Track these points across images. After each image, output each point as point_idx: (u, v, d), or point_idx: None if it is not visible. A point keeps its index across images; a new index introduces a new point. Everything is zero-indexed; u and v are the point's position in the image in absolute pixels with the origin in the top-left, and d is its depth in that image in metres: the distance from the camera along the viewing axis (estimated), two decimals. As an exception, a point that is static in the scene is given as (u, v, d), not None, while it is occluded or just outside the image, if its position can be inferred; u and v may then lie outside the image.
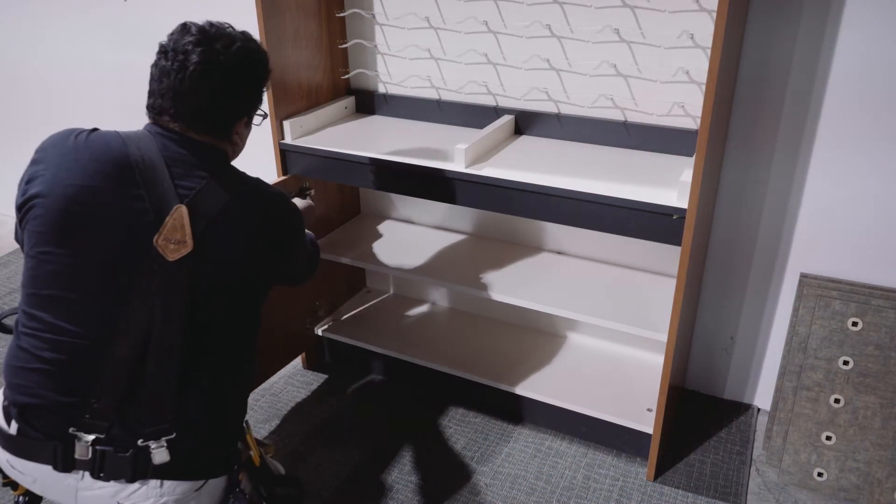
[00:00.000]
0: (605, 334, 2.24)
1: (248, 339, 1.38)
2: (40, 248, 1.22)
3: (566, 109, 2.01)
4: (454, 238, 2.34)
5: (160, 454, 1.22)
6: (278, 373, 2.37)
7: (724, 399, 2.26)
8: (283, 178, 2.07)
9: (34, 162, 1.27)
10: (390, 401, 2.27)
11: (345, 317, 2.45)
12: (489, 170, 1.81)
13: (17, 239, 1.32)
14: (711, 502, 1.88)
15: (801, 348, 1.91)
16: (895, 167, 1.77)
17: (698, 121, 1.82)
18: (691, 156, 1.74)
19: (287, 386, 2.34)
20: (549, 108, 2.03)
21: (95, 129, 1.30)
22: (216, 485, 1.32)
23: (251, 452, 1.42)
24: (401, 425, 2.16)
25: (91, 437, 1.22)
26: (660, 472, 1.97)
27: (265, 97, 1.45)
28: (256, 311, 1.39)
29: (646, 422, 1.92)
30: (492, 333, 2.36)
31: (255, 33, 1.61)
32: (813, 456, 1.92)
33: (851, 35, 1.70)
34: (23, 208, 1.25)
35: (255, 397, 2.26)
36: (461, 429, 2.14)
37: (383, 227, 2.42)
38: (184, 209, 1.23)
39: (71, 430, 1.22)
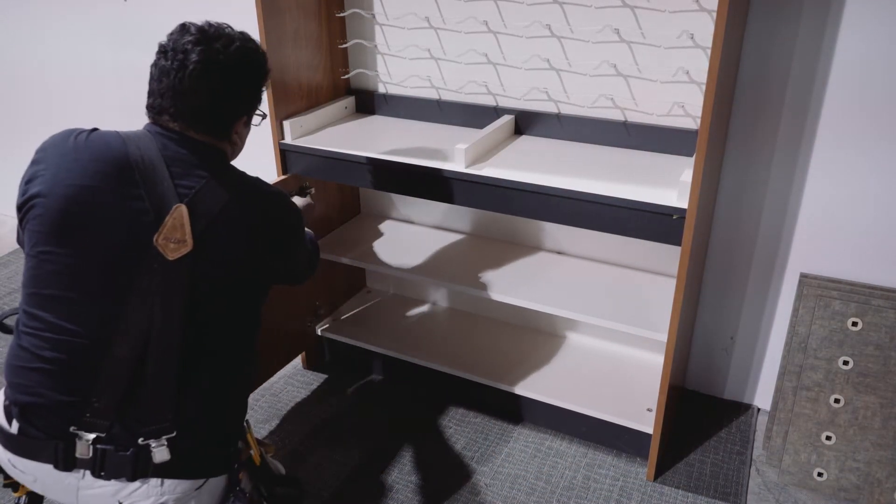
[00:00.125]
0: (605, 334, 2.24)
1: (248, 339, 1.38)
2: (40, 248, 1.22)
3: (566, 109, 2.01)
4: (454, 238, 2.35)
5: (161, 453, 1.22)
6: (278, 373, 2.37)
7: (724, 399, 2.26)
8: (282, 177, 2.07)
9: (34, 162, 1.27)
10: (390, 401, 2.27)
11: (345, 317, 2.45)
12: (489, 170, 1.81)
13: (18, 240, 1.32)
14: (711, 502, 1.88)
15: (801, 348, 1.91)
16: (895, 167, 1.77)
17: (698, 121, 1.82)
18: (691, 156, 1.75)
19: (287, 386, 2.34)
20: (549, 108, 2.03)
21: (95, 129, 1.31)
22: (216, 484, 1.33)
23: (251, 452, 1.42)
24: (401, 425, 2.16)
25: (92, 436, 1.22)
26: (660, 472, 1.97)
27: (264, 97, 1.45)
28: (256, 311, 1.40)
29: (646, 422, 1.93)
30: (492, 333, 2.36)
31: (255, 33, 1.61)
32: (813, 456, 1.92)
33: (851, 35, 1.70)
34: (23, 208, 1.25)
35: (255, 397, 2.26)
36: (461, 429, 2.15)
37: (383, 227, 2.42)
38: (184, 208, 1.23)
39: (72, 429, 1.22)
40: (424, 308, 2.51)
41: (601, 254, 2.17)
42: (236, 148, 1.41)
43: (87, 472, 1.23)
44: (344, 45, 2.21)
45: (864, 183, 1.82)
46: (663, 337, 1.76)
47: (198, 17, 1.33)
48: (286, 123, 2.04)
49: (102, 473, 1.23)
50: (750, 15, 1.78)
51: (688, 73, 1.81)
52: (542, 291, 2.02)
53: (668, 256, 2.05)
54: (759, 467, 2.00)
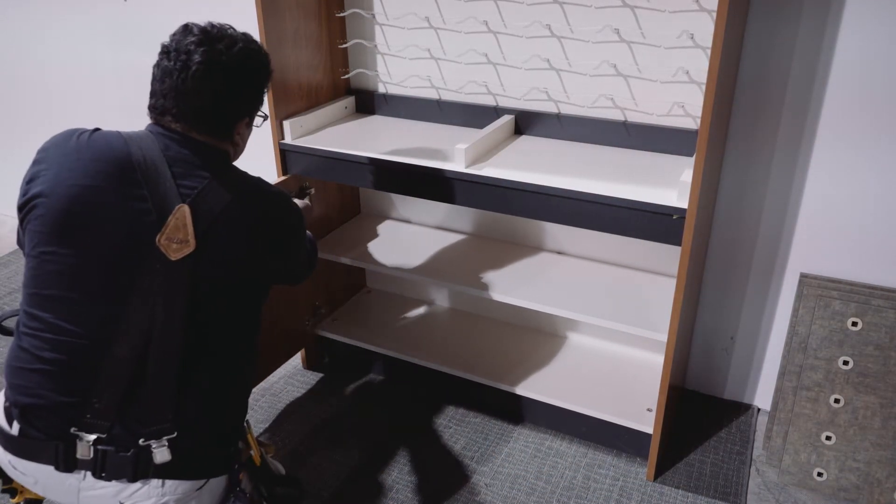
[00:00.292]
0: (605, 334, 2.24)
1: (248, 339, 1.39)
2: (42, 248, 1.22)
3: (566, 109, 2.02)
4: (454, 238, 2.35)
5: (161, 453, 1.22)
6: (278, 373, 2.37)
7: (724, 399, 2.26)
8: (283, 177, 2.07)
9: (36, 162, 1.27)
10: (390, 401, 2.27)
11: (345, 317, 2.45)
12: (489, 170, 1.81)
13: (18, 242, 1.32)
14: (711, 502, 1.88)
15: (801, 348, 1.91)
16: (895, 167, 1.77)
17: (698, 121, 1.82)
18: (691, 156, 1.75)
19: (287, 386, 2.34)
20: (549, 108, 2.03)
21: (97, 130, 1.31)
22: (217, 484, 1.33)
23: (252, 452, 1.42)
24: (401, 425, 2.16)
25: (92, 437, 1.22)
26: (660, 472, 1.97)
27: (266, 98, 1.45)
28: (257, 311, 1.40)
29: (646, 422, 1.93)
30: (492, 333, 2.36)
31: (255, 33, 1.61)
32: (813, 456, 1.93)
33: (851, 35, 1.70)
34: (24, 208, 1.25)
35: (255, 397, 2.26)
36: (461, 429, 2.15)
37: (383, 227, 2.42)
38: (186, 209, 1.23)
39: (72, 430, 1.22)
40: (424, 308, 2.51)
41: (601, 254, 2.17)
42: (238, 149, 1.41)
43: (88, 473, 1.23)
44: (344, 45, 2.21)
45: (864, 183, 1.82)
46: (663, 337, 1.77)
47: (198, 17, 1.33)
48: (286, 123, 2.04)
49: (103, 474, 1.23)
50: (750, 15, 1.78)
51: (688, 73, 1.81)
52: (542, 291, 2.02)
53: (668, 256, 2.05)
54: (759, 467, 2.00)
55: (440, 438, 2.11)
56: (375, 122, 2.25)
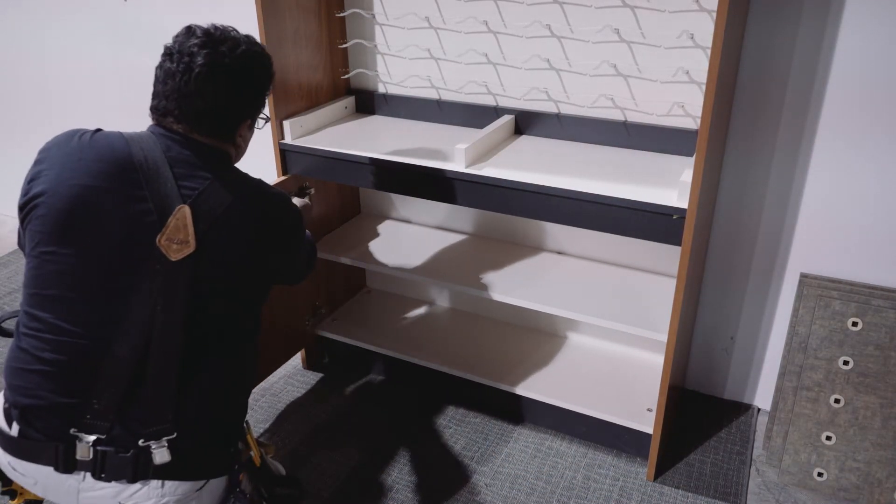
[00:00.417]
0: (605, 334, 2.24)
1: (248, 340, 1.39)
2: (42, 248, 1.22)
3: (566, 109, 2.01)
4: (454, 238, 2.35)
5: (161, 454, 1.22)
6: (278, 373, 2.37)
7: (724, 399, 2.26)
8: (283, 177, 2.07)
9: (38, 162, 1.27)
10: (390, 401, 2.27)
11: (345, 317, 2.45)
12: (489, 170, 1.81)
13: (19, 242, 1.32)
14: (711, 502, 1.88)
15: (801, 348, 1.91)
16: (895, 167, 1.77)
17: (698, 121, 1.82)
18: (691, 156, 1.74)
19: (287, 386, 2.34)
20: (549, 108, 2.03)
21: (99, 130, 1.31)
22: (217, 485, 1.33)
23: (252, 453, 1.42)
24: (401, 425, 2.16)
25: (92, 438, 1.22)
26: (660, 472, 1.97)
27: (267, 100, 1.46)
28: (257, 311, 1.40)
29: (646, 422, 1.93)
30: (492, 333, 2.36)
31: (256, 33, 1.61)
32: (813, 456, 1.93)
33: (851, 35, 1.70)
34: (25, 208, 1.25)
35: (255, 397, 2.26)
36: (461, 429, 2.15)
37: (383, 227, 2.42)
38: (187, 209, 1.23)
39: (72, 430, 1.22)
40: (424, 308, 2.51)
41: (601, 254, 2.17)
42: (240, 151, 1.42)
43: (88, 474, 1.23)
44: (344, 45, 2.21)
45: (865, 183, 1.82)
46: (663, 337, 1.77)
47: (198, 17, 1.34)
48: (286, 123, 2.04)
49: (103, 475, 1.22)
50: (750, 15, 1.78)
51: (688, 73, 1.81)
52: (542, 291, 2.02)
53: (668, 256, 2.05)
54: (759, 467, 2.00)
55: (440, 438, 2.11)
56: (375, 122, 2.25)
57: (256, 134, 1.48)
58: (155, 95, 1.31)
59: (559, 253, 2.23)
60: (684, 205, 1.58)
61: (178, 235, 1.22)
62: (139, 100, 1.32)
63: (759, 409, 2.21)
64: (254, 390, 2.21)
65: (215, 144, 1.33)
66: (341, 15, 2.16)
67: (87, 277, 1.22)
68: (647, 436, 1.91)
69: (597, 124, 1.97)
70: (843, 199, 1.86)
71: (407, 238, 2.35)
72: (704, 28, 1.74)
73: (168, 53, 1.29)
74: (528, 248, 2.26)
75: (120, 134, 1.29)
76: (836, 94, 1.77)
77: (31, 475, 1.27)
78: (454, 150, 1.84)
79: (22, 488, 1.34)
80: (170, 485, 1.25)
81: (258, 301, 1.39)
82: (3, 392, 1.30)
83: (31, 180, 1.26)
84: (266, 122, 1.49)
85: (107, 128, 1.32)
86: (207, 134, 1.31)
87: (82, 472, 1.23)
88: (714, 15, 1.69)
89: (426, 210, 2.40)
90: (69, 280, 1.22)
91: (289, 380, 2.37)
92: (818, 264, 1.94)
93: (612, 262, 2.16)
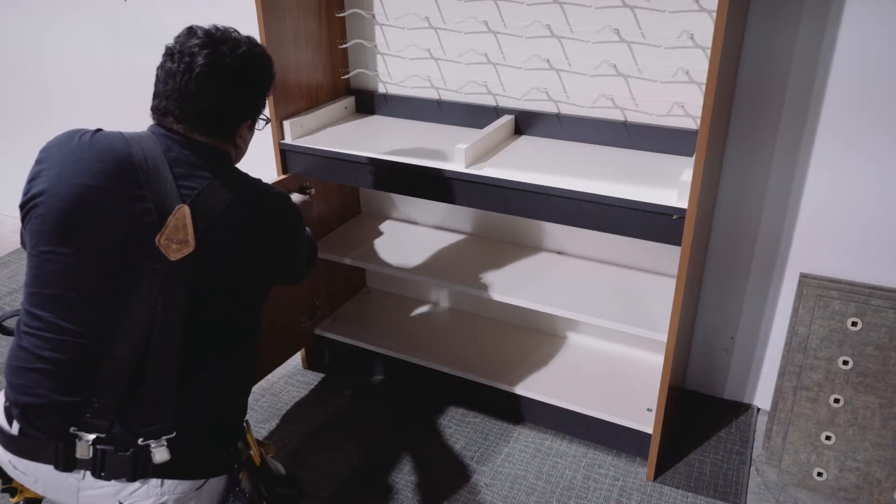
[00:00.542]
0: (605, 334, 2.24)
1: (248, 339, 1.39)
2: (42, 248, 1.22)
3: (566, 109, 2.02)
4: (454, 238, 2.35)
5: (160, 453, 1.22)
6: (278, 373, 2.37)
7: (724, 399, 2.26)
8: (282, 177, 2.07)
9: (38, 161, 1.28)
10: (390, 401, 2.27)
11: (345, 317, 2.45)
12: (489, 170, 1.81)
13: (22, 242, 1.32)
14: (711, 502, 1.88)
15: (801, 348, 1.92)
16: (895, 167, 1.77)
17: (698, 121, 1.82)
18: (691, 156, 1.75)
19: (287, 386, 2.34)
20: (549, 108, 2.03)
21: (100, 130, 1.31)
22: (216, 484, 1.33)
23: (251, 452, 1.42)
24: (401, 425, 2.16)
25: (92, 437, 1.22)
26: (660, 472, 1.97)
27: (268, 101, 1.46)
28: (257, 311, 1.40)
29: (646, 422, 1.93)
30: (492, 333, 2.36)
31: (256, 33, 1.61)
32: (813, 456, 1.93)
33: (851, 35, 1.70)
34: (26, 207, 1.25)
35: (255, 397, 2.26)
36: (461, 429, 2.15)
37: (383, 227, 2.42)
38: (186, 209, 1.23)
39: (72, 429, 1.22)
40: (424, 308, 2.51)
41: (601, 254, 2.17)
42: (240, 151, 1.42)
43: (88, 473, 1.23)
44: (344, 45, 2.21)
45: (864, 183, 1.82)
46: (663, 337, 1.77)
47: (198, 17, 1.34)
48: (286, 123, 2.04)
49: (103, 474, 1.23)
50: (750, 15, 1.78)
51: (688, 73, 1.81)
52: (542, 291, 2.02)
53: (668, 256, 2.05)
54: (759, 467, 2.00)
55: (440, 438, 2.11)
56: (375, 122, 2.25)
57: (256, 134, 1.48)
58: (156, 95, 1.31)
59: (559, 253, 2.23)
60: (684, 205, 1.58)
61: (178, 235, 1.22)
62: (139, 100, 1.32)
63: (758, 409, 2.21)
64: (254, 390, 2.21)
65: (215, 144, 1.33)
66: (341, 15, 2.16)
67: (87, 277, 1.22)
68: (647, 436, 1.91)
69: (597, 124, 1.97)
70: (843, 199, 1.86)
71: (407, 238, 2.35)
72: (704, 28, 1.75)
73: (169, 53, 1.29)
74: (528, 248, 2.26)
75: (120, 134, 1.29)
76: (836, 94, 1.77)
77: (31, 473, 1.27)
78: (454, 150, 1.84)
79: (22, 486, 1.34)
80: (169, 483, 1.25)
81: (258, 301, 1.39)
82: (3, 390, 1.30)
83: (31, 180, 1.26)
84: (266, 123, 1.49)
85: (107, 128, 1.32)
86: (207, 134, 1.31)
87: (82, 471, 1.23)
88: (714, 15, 1.69)
89: (426, 210, 2.40)
90: (69, 279, 1.22)
91: (289, 380, 2.37)
92: (818, 264, 1.94)
93: (612, 262, 2.16)
